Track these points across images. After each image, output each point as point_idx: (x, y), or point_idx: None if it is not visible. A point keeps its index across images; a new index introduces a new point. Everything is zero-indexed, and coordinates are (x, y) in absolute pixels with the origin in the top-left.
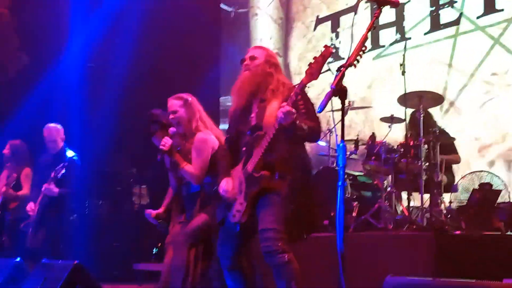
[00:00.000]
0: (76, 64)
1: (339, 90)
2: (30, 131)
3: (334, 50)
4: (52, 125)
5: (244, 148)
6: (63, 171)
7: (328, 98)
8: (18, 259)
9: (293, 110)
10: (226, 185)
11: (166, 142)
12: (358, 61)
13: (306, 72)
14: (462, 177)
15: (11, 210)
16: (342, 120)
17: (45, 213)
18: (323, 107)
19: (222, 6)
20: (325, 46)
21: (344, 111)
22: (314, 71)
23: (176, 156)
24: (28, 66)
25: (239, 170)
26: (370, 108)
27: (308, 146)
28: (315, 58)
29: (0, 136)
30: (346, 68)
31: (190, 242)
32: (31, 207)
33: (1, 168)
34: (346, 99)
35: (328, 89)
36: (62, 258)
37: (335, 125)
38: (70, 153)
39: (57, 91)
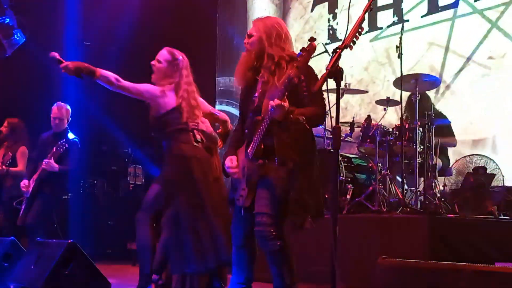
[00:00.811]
0: (73, 42)
1: (334, 72)
2: (27, 110)
3: (317, 44)
4: (63, 103)
5: (246, 131)
6: (65, 146)
7: (323, 79)
8: (12, 237)
9: (283, 104)
10: (230, 162)
11: (67, 64)
12: (354, 43)
13: (294, 64)
14: (456, 161)
15: (7, 188)
16: (337, 102)
17: (40, 190)
18: (318, 88)
19: None
20: (310, 39)
21: (339, 93)
22: (301, 65)
23: (85, 66)
24: (25, 44)
25: (243, 153)
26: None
27: None
28: (302, 50)
29: None
30: (342, 50)
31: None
32: (25, 183)
33: None
34: (341, 80)
35: (324, 71)
36: (55, 236)
37: (330, 107)
38: (71, 136)
39: (54, 69)
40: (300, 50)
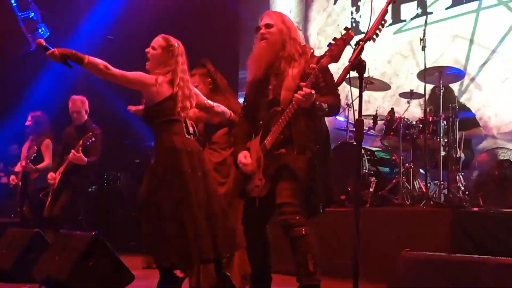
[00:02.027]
0: (96, 36)
1: (357, 64)
2: (50, 104)
3: (354, 34)
4: (76, 96)
5: (261, 122)
6: (93, 139)
7: (346, 72)
8: (37, 229)
9: (312, 92)
10: (244, 158)
11: (54, 50)
12: (377, 35)
13: (326, 53)
14: (480, 154)
15: (32, 180)
16: (360, 95)
17: (66, 182)
18: (341, 81)
19: None
20: (346, 29)
21: (362, 86)
22: (334, 53)
23: (73, 53)
24: (49, 38)
25: (257, 144)
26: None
27: (327, 120)
28: (335, 39)
29: (22, 109)
30: (365, 42)
31: None
32: (52, 176)
33: (23, 139)
34: (364, 73)
35: (347, 63)
36: (80, 228)
37: (353, 101)
38: (95, 127)
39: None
40: (333, 40)
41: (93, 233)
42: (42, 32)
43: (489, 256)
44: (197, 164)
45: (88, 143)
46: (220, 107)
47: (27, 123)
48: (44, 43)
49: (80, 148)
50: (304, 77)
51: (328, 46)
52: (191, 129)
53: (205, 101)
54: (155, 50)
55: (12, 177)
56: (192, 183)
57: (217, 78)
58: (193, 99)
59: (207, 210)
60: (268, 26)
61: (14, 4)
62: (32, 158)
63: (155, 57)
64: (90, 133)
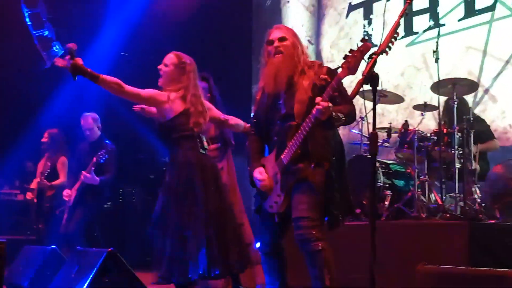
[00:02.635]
0: (110, 52)
1: (370, 78)
2: (65, 121)
3: (371, 45)
4: (88, 114)
5: (275, 138)
6: (106, 156)
7: (359, 85)
8: (53, 246)
9: (330, 105)
10: (260, 175)
11: (77, 60)
12: (390, 48)
13: (342, 66)
14: (496, 165)
15: (48, 197)
16: (374, 108)
17: (82, 199)
18: (354, 94)
19: None
20: (363, 40)
21: (375, 99)
22: (351, 66)
23: (89, 71)
24: (63, 55)
25: (272, 160)
26: (403, 96)
27: (341, 134)
28: (351, 51)
29: (37, 126)
30: (378, 55)
31: None
32: (67, 193)
33: (38, 157)
34: (377, 86)
35: (360, 76)
36: (96, 245)
37: (367, 114)
38: (108, 143)
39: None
40: (349, 52)
41: (109, 249)
42: (56, 50)
43: (507, 269)
44: (211, 179)
45: (101, 160)
46: (234, 120)
47: (43, 140)
48: (74, 48)
49: (93, 167)
50: (314, 89)
51: (344, 58)
52: (205, 143)
53: (220, 115)
54: (167, 67)
55: (28, 194)
56: (204, 198)
57: (216, 95)
58: (206, 115)
59: (219, 225)
60: (282, 39)
61: (29, 23)
62: (46, 174)
63: (167, 74)
64: (104, 150)
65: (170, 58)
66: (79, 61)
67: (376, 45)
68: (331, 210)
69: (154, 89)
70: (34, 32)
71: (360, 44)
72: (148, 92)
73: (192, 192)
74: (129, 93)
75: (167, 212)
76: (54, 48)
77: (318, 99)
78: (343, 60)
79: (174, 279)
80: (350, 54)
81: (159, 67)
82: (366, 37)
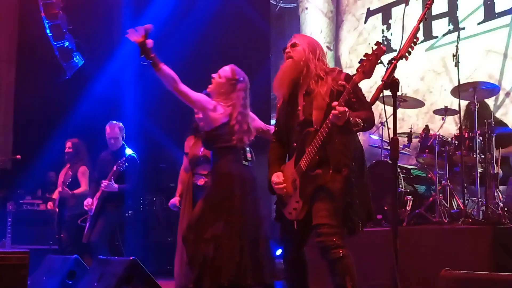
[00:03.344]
0: (130, 62)
1: (390, 83)
2: (86, 130)
3: (385, 49)
4: (115, 122)
5: (294, 144)
6: (126, 165)
7: (379, 91)
8: (75, 255)
9: (346, 110)
10: (277, 178)
11: (148, 42)
12: (409, 53)
13: (358, 70)
14: None
15: (70, 207)
16: (394, 113)
17: (103, 208)
18: (374, 100)
19: (272, 1)
20: (377, 43)
21: (396, 104)
22: (367, 69)
23: (155, 55)
24: (83, 66)
25: (291, 167)
26: (423, 101)
27: (361, 139)
28: (366, 55)
29: (59, 136)
30: (398, 61)
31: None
32: (88, 202)
33: (60, 167)
34: (397, 91)
35: (380, 82)
36: (118, 253)
37: (387, 119)
38: (129, 151)
39: (112, 89)
40: (364, 56)
41: (131, 258)
42: (77, 61)
43: None
44: (249, 191)
45: (121, 168)
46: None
47: (66, 150)
48: (150, 29)
49: (113, 176)
50: (332, 95)
51: (359, 62)
52: (249, 155)
53: (262, 125)
54: (220, 78)
55: (49, 203)
56: (240, 207)
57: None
58: (251, 134)
59: (254, 236)
60: (293, 45)
61: (50, 34)
62: (68, 184)
63: (218, 85)
64: (124, 159)
65: (225, 71)
66: (150, 43)
67: (395, 50)
68: (350, 216)
69: (204, 95)
70: (55, 43)
71: (375, 47)
72: (197, 96)
73: (229, 202)
74: (181, 91)
75: (204, 218)
76: (75, 58)
77: (334, 103)
78: (359, 65)
79: (205, 284)
80: (365, 58)
81: (213, 75)
82: (385, 42)
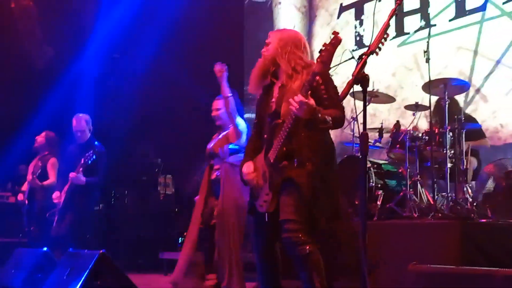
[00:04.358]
0: (101, 55)
1: (360, 78)
2: (56, 123)
3: (342, 38)
4: (81, 115)
5: (265, 136)
6: (93, 157)
7: (349, 86)
8: (45, 248)
9: (306, 100)
10: (246, 169)
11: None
12: (380, 49)
13: (317, 60)
14: (487, 165)
15: (38, 200)
16: (364, 108)
17: (71, 201)
18: (344, 95)
19: None
20: (334, 33)
21: (366, 100)
22: (325, 59)
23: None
24: (53, 58)
25: (262, 158)
26: (394, 97)
27: (333, 134)
28: (324, 45)
29: (29, 129)
30: (368, 56)
31: None
32: (56, 195)
33: (31, 159)
34: (368, 87)
35: (351, 78)
36: (88, 247)
37: (357, 114)
38: (97, 144)
39: (82, 82)
40: (322, 45)
41: (101, 251)
42: (47, 53)
43: (498, 268)
44: None
45: (89, 161)
46: None
47: (38, 137)
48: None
49: (81, 168)
50: (303, 89)
51: (319, 52)
52: None
53: None
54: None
55: (20, 195)
56: None
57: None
58: None
59: None
60: (267, 44)
61: None
62: (37, 175)
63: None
64: (91, 151)
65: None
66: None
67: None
68: (313, 212)
69: None
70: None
71: (332, 37)
72: None
73: None
74: None
75: None
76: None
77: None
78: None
79: None
80: (323, 48)
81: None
82: (358, 38)
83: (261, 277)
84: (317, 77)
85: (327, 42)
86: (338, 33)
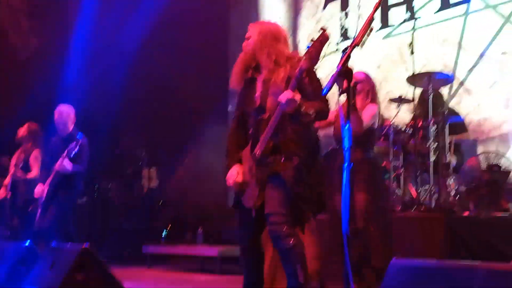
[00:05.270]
0: (86, 46)
1: (344, 72)
2: (39, 114)
3: (330, 34)
4: (63, 107)
5: (250, 131)
6: (77, 149)
7: (333, 79)
8: (27, 242)
9: (295, 98)
10: (231, 174)
11: None
12: (364, 42)
13: (304, 56)
14: (470, 158)
15: (22, 193)
16: (348, 101)
17: (55, 194)
18: (328, 88)
19: None
20: (322, 29)
21: (350, 93)
22: (313, 56)
23: None
24: (38, 49)
25: (248, 154)
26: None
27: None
28: (312, 41)
29: (11, 119)
30: (352, 49)
31: None
32: (40, 187)
33: (12, 151)
34: (352, 80)
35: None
36: (71, 240)
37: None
38: (80, 136)
39: (67, 73)
40: (310, 41)
41: (84, 245)
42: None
43: (480, 262)
44: None
45: (72, 154)
46: None
47: (20, 129)
48: None
49: (64, 159)
50: (289, 82)
51: (306, 48)
52: None
53: None
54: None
55: (2, 189)
56: None
57: None
58: None
59: None
60: (247, 38)
61: None
62: (19, 167)
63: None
64: (74, 143)
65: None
66: None
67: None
68: (299, 205)
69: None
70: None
71: (319, 33)
72: None
73: None
74: None
75: None
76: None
77: (284, 92)
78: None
79: None
80: (311, 45)
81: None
82: (343, 30)
83: (245, 270)
84: (311, 64)
85: (315, 38)
86: (326, 29)
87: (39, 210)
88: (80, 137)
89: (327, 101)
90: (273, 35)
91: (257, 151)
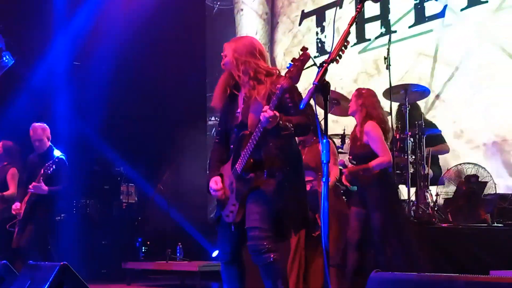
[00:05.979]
0: (62, 62)
1: (321, 86)
2: (17, 131)
3: (310, 54)
4: (37, 124)
5: (231, 146)
6: (53, 167)
7: (310, 94)
8: (4, 261)
9: (277, 114)
10: (215, 184)
11: None
12: (340, 57)
13: (285, 75)
14: (448, 170)
15: None
16: (325, 116)
17: (32, 212)
18: (305, 103)
19: (207, 2)
20: (303, 49)
21: (327, 107)
22: (294, 75)
23: None
24: (14, 65)
25: (229, 169)
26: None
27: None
28: (293, 60)
29: None
30: (328, 64)
31: None
32: (17, 206)
33: None
34: (328, 94)
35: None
36: (50, 258)
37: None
38: (57, 152)
39: (43, 90)
40: (291, 61)
41: (61, 263)
42: (6, 60)
43: (459, 274)
44: None
45: (49, 171)
46: None
47: None
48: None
49: (41, 178)
50: (270, 99)
51: (287, 68)
52: None
53: None
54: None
55: None
56: None
57: None
58: None
59: None
60: (224, 56)
61: None
62: None
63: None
64: (51, 161)
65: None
66: None
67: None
68: (282, 220)
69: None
70: None
71: (300, 53)
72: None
73: None
74: None
75: None
76: (4, 58)
77: (265, 107)
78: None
79: None
80: (292, 64)
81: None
82: (320, 44)
83: (227, 285)
84: (292, 83)
85: (296, 58)
86: (307, 48)
87: (17, 229)
88: (58, 155)
89: (308, 115)
90: (248, 51)
91: (238, 166)
